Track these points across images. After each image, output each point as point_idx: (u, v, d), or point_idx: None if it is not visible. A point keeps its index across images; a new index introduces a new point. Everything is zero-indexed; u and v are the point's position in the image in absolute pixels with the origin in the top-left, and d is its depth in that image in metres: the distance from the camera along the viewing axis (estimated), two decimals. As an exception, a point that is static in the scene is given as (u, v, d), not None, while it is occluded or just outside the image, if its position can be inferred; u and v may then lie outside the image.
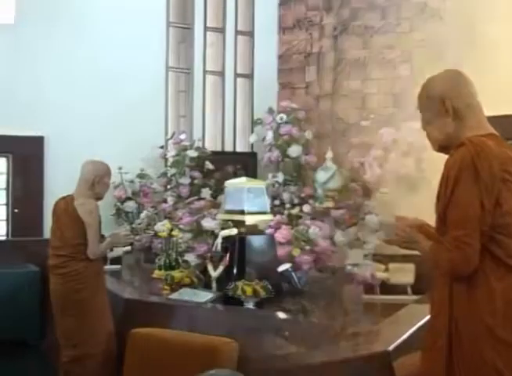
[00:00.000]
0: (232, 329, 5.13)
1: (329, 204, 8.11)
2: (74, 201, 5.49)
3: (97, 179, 5.59)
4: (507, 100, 7.45)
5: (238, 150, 10.38)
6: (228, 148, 10.28)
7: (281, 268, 5.82)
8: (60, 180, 7.37)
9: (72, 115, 8.82)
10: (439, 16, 9.59)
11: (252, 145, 10.23)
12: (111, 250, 7.43)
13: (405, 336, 4.35)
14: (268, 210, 6.50)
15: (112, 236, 5.80)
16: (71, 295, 5.38)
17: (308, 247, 6.39)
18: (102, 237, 5.61)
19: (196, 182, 9.25)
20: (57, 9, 8.87)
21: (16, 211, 8.69)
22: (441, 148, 3.37)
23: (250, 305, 5.51)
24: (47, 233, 7.07)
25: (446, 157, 3.23)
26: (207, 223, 7.17)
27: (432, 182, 3.60)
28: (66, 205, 5.54)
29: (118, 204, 8.93)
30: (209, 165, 9.40)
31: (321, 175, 8.16)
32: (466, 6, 8.82)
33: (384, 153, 7.09)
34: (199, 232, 7.41)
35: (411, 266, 6.14)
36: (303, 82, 10.48)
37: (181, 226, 7.45)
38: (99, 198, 5.66)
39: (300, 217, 7.29)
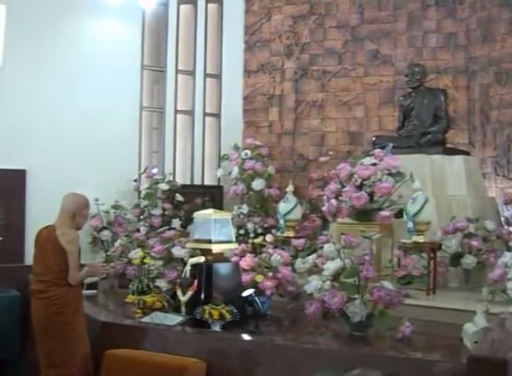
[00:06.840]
0: (199, 350, 5.14)
1: (290, 233, 8.17)
2: (56, 231, 5.44)
3: (78, 211, 5.55)
4: None
5: (206, 183, 10.46)
6: (197, 181, 10.36)
7: (245, 293, 5.83)
8: (41, 210, 7.33)
9: (53, 151, 8.85)
10: (390, 62, 9.78)
11: (219, 179, 10.33)
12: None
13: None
14: (234, 239, 6.51)
15: (90, 266, 5.77)
16: (53, 318, 5.33)
17: (270, 274, 6.43)
18: (82, 266, 5.57)
19: (167, 213, 9.30)
20: (42, 55, 8.96)
21: (-1, 238, 8.64)
22: None
23: (217, 328, 5.52)
24: (28, 259, 7.05)
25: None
26: (177, 251, 7.21)
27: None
28: (48, 235, 5.49)
29: (94, 233, 8.94)
30: (179, 197, 9.45)
31: (283, 207, 8.21)
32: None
33: (341, 187, 7.14)
34: (169, 259, 7.46)
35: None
36: (266, 121, 10.61)
37: (152, 254, 7.47)
38: (78, 228, 5.62)
39: (263, 245, 7.32)
